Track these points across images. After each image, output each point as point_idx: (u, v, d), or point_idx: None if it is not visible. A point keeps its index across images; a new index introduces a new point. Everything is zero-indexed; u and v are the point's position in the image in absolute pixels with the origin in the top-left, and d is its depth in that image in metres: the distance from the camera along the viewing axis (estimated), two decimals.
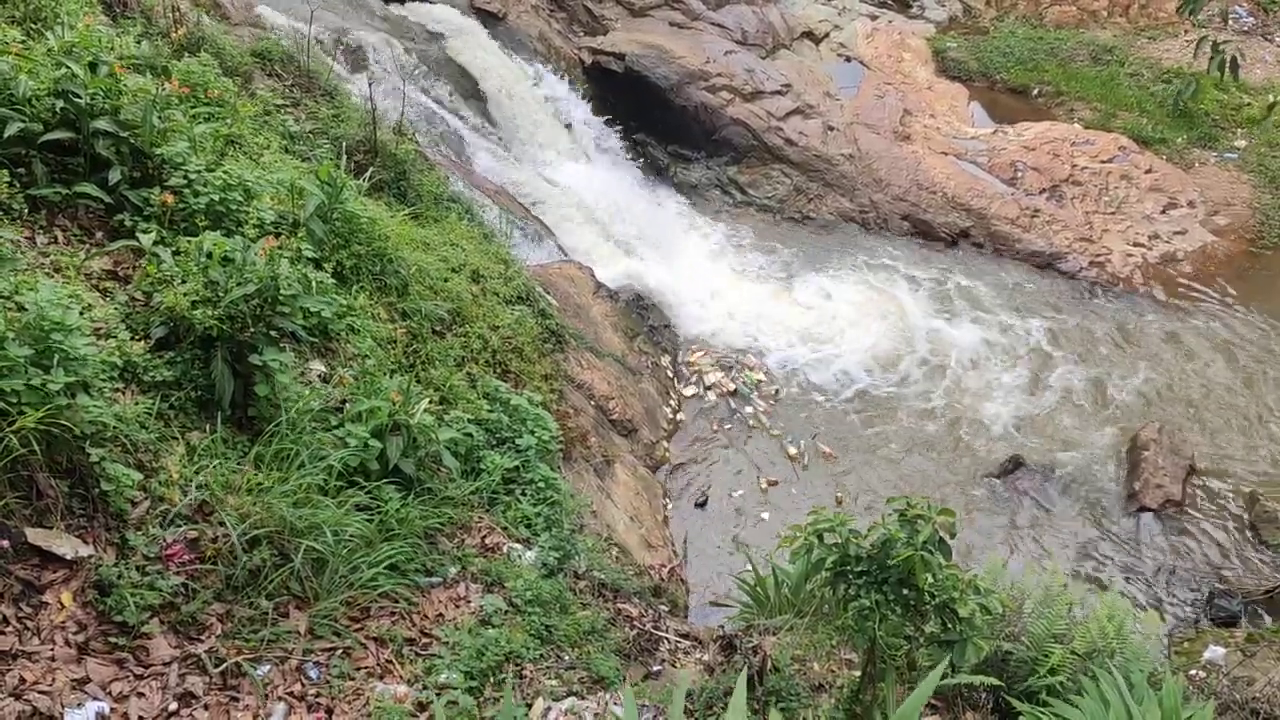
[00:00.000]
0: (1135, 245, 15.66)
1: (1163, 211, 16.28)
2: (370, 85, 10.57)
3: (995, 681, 5.42)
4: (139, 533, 4.56)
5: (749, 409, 12.27)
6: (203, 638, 4.54)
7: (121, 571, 4.37)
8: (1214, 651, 9.03)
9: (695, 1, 17.99)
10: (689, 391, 12.54)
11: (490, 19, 15.57)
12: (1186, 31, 20.07)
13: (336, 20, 13.18)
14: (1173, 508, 11.09)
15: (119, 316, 5.22)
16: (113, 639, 4.27)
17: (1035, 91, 19.49)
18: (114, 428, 4.60)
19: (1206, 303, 14.76)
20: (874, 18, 20.62)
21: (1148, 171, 16.83)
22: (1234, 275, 15.36)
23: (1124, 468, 11.73)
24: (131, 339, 5.11)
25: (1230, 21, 20.42)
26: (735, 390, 12.52)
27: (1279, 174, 17.03)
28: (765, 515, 10.75)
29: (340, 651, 4.95)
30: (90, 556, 4.34)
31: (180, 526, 4.71)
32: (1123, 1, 21.72)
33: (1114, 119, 18.30)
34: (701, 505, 10.94)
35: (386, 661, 5.06)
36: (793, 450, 11.59)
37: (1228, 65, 6.13)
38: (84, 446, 4.41)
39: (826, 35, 19.61)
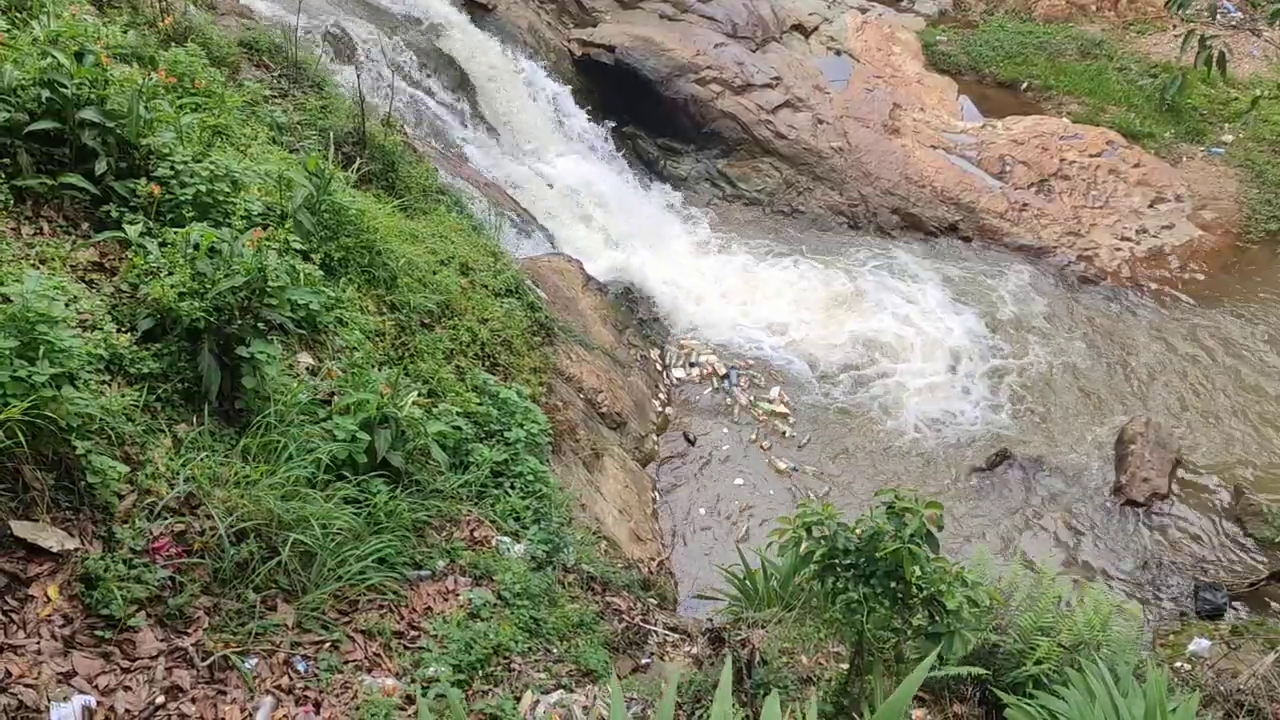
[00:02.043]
0: (1123, 239, 15.72)
1: (1150, 206, 16.35)
2: (359, 76, 10.53)
3: (982, 672, 5.45)
4: (126, 526, 4.54)
5: (735, 390, 12.36)
6: (190, 631, 4.53)
7: (108, 564, 4.35)
8: (1199, 644, 9.10)
9: None
10: (679, 374, 12.56)
11: (479, 10, 15.50)
12: (1175, 26, 20.13)
13: (325, 11, 13.10)
14: (1159, 501, 11.17)
15: (105, 308, 5.18)
16: (99, 632, 4.25)
17: (1024, 85, 19.54)
18: (100, 420, 4.57)
19: (1193, 296, 14.84)
20: (864, 11, 20.61)
21: (1135, 166, 16.89)
22: (1220, 269, 15.44)
23: (1111, 461, 11.79)
24: (118, 331, 5.08)
25: (1218, 16, 20.47)
26: (726, 374, 12.54)
27: (1265, 168, 17.11)
28: (753, 507, 10.79)
29: (328, 645, 4.95)
30: (76, 549, 4.32)
31: (167, 519, 4.69)
32: None
33: (1102, 113, 18.36)
34: (692, 442, 11.58)
35: (374, 654, 5.06)
36: (781, 465, 11.48)
37: (1215, 61, 6.14)
38: (70, 439, 4.38)
39: (816, 28, 19.59)
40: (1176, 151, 17.71)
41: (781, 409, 12.27)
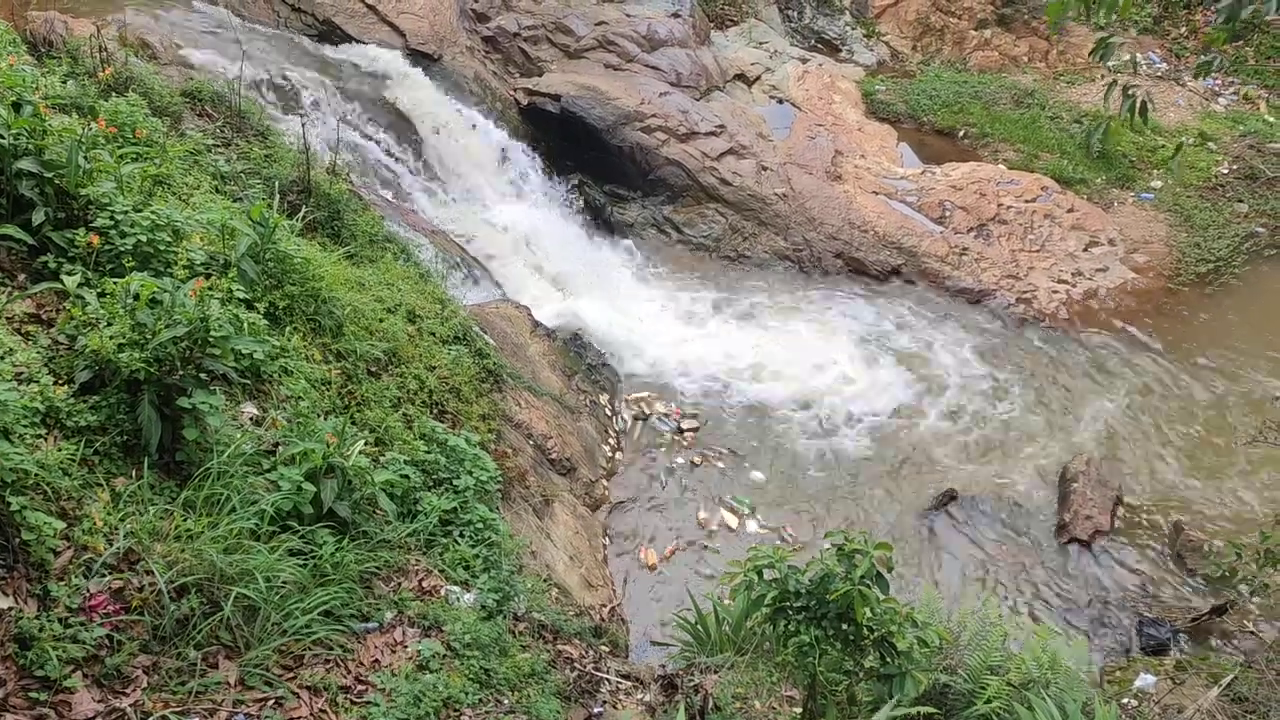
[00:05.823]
0: (1060, 282, 16.11)
1: (1085, 249, 16.79)
2: (303, 126, 10.51)
3: (934, 712, 5.47)
4: (61, 583, 4.41)
5: (681, 433, 12.40)
6: (128, 691, 4.39)
7: (43, 624, 4.22)
8: (1145, 680, 9.21)
9: (630, 44, 18.21)
10: (628, 418, 12.56)
11: (426, 60, 15.59)
12: (1102, 76, 20.85)
13: (269, 61, 13.09)
14: (1102, 538, 11.35)
15: (41, 360, 5.08)
16: (33, 694, 4.11)
17: (961, 133, 20.04)
18: (35, 475, 4.46)
19: (1128, 337, 15.22)
20: (804, 61, 21.06)
21: (1070, 210, 17.37)
22: (1154, 310, 15.88)
23: (1054, 499, 11.97)
24: (55, 383, 4.96)
25: (1143, 66, 21.23)
26: (675, 418, 12.57)
27: (1193, 213, 17.69)
28: (708, 551, 10.78)
29: (272, 702, 4.82)
30: (10, 609, 4.18)
31: (105, 576, 4.56)
32: (1042, 47, 22.51)
33: (1036, 160, 18.89)
34: (644, 420, 12.18)
35: (320, 711, 4.94)
36: (723, 514, 11.48)
37: (1138, 109, 6.38)
38: (3, 495, 4.27)
39: (759, 78, 19.96)
40: (1108, 197, 18.24)
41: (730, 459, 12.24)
